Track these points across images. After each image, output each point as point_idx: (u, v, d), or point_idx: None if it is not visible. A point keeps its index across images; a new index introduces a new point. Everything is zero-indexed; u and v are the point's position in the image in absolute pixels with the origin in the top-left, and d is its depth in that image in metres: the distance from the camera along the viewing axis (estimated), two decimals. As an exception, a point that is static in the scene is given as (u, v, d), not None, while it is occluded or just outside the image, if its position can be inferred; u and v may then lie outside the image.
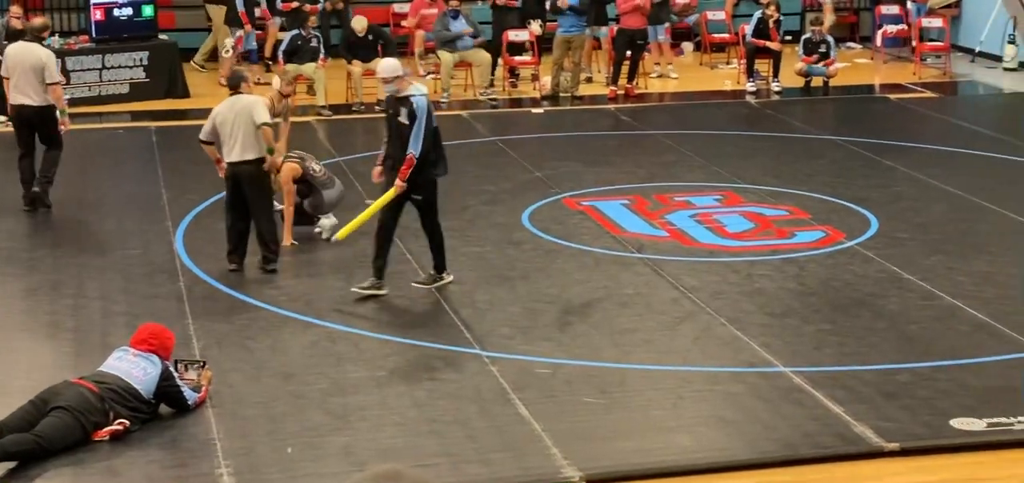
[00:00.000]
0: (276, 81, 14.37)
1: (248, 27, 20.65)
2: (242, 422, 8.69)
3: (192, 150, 16.59)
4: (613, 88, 19.99)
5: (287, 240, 12.25)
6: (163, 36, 20.44)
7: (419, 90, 10.88)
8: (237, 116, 11.44)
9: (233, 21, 20.45)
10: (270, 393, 9.15)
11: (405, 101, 10.72)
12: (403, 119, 10.71)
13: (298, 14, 20.40)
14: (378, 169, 11.22)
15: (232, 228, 11.67)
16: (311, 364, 9.67)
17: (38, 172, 13.62)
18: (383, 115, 11.52)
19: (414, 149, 10.63)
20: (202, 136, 11.79)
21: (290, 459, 8.21)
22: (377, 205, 11.03)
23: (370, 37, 19.04)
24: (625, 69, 20.01)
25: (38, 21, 14.63)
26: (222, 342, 10.07)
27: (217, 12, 20.79)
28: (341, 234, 11.38)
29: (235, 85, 11.78)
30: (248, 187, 11.48)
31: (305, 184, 12.64)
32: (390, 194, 10.83)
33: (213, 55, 21.18)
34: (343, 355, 9.85)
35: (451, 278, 11.27)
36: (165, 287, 11.39)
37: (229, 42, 20.15)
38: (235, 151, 11.46)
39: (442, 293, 11.11)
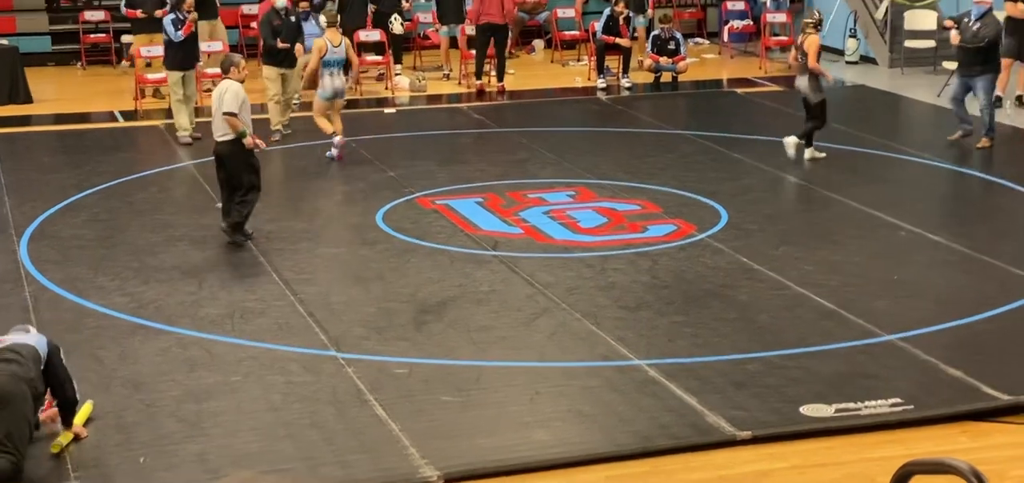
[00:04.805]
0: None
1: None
2: (92, 433, 8.49)
3: (36, 157, 16.27)
4: (479, 82, 20.08)
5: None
6: (3, 41, 19.93)
7: None
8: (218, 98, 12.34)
9: None
10: (121, 403, 8.97)
11: None
12: None
13: None
14: None
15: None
16: (162, 372, 9.51)
17: None
18: None
19: None
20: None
21: (143, 469, 8.07)
22: None
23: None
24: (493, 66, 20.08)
25: None
26: (70, 352, 9.78)
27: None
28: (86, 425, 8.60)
29: (225, 69, 12.53)
30: (228, 162, 12.38)
31: None
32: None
33: None
34: (195, 361, 9.70)
35: None
36: (10, 297, 11.10)
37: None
38: (216, 131, 12.40)
39: (297, 296, 11.01)
